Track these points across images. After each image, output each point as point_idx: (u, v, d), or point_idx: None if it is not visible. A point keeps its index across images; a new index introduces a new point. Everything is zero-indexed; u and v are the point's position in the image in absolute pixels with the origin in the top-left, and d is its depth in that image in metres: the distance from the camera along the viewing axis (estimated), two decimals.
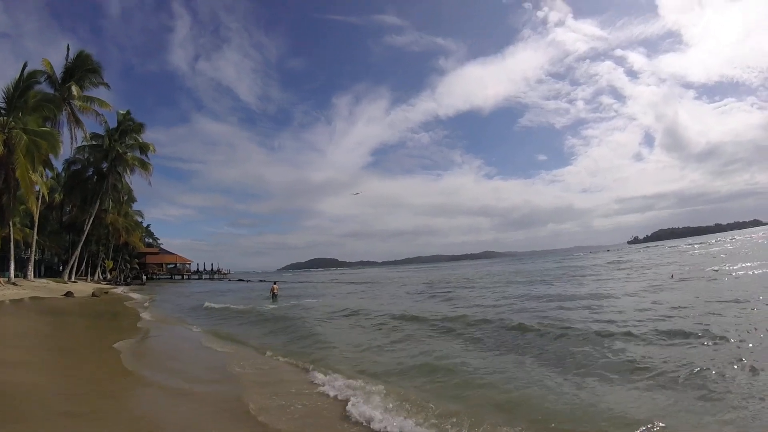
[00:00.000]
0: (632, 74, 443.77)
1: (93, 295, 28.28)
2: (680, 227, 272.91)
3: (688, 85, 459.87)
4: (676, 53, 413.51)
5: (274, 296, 24.61)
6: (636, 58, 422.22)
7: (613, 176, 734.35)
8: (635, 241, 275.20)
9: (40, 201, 30.54)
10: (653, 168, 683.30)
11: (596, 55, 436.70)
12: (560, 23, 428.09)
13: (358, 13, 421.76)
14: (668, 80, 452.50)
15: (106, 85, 35.77)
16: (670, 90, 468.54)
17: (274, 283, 26.99)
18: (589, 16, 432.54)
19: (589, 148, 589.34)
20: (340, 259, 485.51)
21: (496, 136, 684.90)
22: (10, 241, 27.19)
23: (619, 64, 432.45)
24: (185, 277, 73.35)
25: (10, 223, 27.33)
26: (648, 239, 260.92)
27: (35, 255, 33.85)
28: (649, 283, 18.69)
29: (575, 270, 33.97)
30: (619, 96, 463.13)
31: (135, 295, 29.51)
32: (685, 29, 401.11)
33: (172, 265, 76.17)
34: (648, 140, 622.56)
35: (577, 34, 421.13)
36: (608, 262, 42.20)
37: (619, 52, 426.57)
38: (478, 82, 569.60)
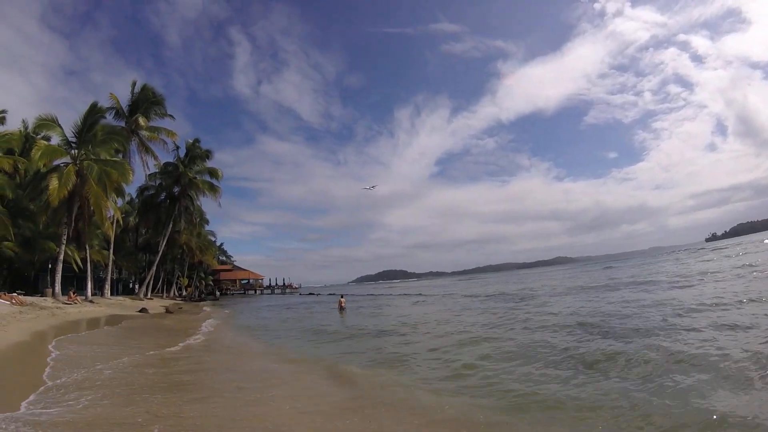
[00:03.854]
0: (697, 59, 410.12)
1: (167, 311, 29.06)
2: (759, 220, 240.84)
3: (754, 66, 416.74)
4: (738, 33, 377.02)
5: (341, 309, 25.55)
6: (700, 42, 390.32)
7: (686, 170, 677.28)
8: (713, 238, 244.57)
9: (115, 225, 32.34)
10: (727, 158, 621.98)
11: (659, 43, 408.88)
12: (618, 13, 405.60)
13: (413, 24, 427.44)
14: (734, 62, 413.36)
15: (171, 116, 38.00)
16: (737, 72, 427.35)
17: (341, 297, 28.25)
18: (647, 3, 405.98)
19: (660, 141, 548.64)
20: (408, 271, 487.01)
21: (563, 136, 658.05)
22: (87, 262, 28.68)
23: (683, 49, 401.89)
24: (257, 292, 75.63)
25: (87, 245, 28.87)
26: (727, 235, 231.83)
27: (112, 275, 35.98)
28: None
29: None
30: (686, 83, 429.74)
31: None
32: (745, 5, 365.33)
33: (246, 281, 79.10)
34: (720, 128, 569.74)
35: (636, 23, 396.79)
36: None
37: (681, 36, 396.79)
38: (539, 83, 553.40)
